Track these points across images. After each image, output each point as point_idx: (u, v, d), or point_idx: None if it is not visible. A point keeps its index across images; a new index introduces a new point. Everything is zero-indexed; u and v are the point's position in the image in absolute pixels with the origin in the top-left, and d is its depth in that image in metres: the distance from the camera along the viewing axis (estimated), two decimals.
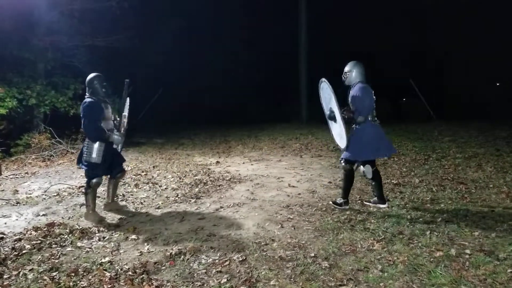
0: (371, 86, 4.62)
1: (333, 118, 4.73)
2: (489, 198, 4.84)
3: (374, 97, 4.62)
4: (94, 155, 4.43)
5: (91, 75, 4.68)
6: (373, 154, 4.61)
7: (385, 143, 4.64)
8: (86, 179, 4.62)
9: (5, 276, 3.06)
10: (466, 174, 6.23)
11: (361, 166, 4.67)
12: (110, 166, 4.76)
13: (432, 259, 3.12)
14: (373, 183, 4.73)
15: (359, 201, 4.94)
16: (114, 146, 4.76)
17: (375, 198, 4.78)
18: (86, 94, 4.59)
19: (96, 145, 4.44)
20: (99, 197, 5.22)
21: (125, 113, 4.94)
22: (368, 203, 4.81)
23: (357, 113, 4.53)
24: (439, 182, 5.75)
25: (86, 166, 4.51)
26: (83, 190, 4.79)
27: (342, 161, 4.72)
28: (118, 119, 4.90)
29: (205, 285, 2.88)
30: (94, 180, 4.54)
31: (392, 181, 5.97)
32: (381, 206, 4.68)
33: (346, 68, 4.72)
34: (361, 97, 4.49)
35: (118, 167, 4.92)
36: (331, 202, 4.81)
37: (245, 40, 20.51)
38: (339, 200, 4.74)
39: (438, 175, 6.26)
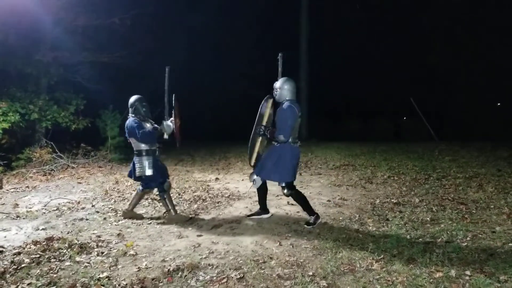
0: (299, 104, 4.72)
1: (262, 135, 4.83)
2: (489, 219, 4.80)
3: (299, 118, 4.67)
4: (148, 169, 4.95)
5: (134, 97, 5.13)
6: (277, 177, 4.68)
7: (291, 170, 4.65)
8: (157, 190, 5.21)
9: None
10: (467, 194, 6.21)
11: (254, 176, 4.85)
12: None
13: (431, 280, 3.10)
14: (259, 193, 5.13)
15: (358, 220, 4.93)
16: (165, 137, 5.11)
17: (258, 210, 5.23)
18: (130, 114, 5.09)
19: (145, 160, 4.95)
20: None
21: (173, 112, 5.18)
22: (252, 217, 5.16)
23: (278, 131, 4.57)
24: (439, 202, 5.74)
25: (143, 179, 5.06)
26: (159, 198, 5.38)
27: (284, 190, 4.75)
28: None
29: None
30: (165, 184, 5.12)
31: (392, 200, 5.96)
32: (265, 216, 5.16)
33: (277, 85, 4.75)
34: (285, 117, 4.53)
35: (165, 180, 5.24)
36: (305, 226, 4.70)
37: (248, 59, 20.71)
38: (311, 219, 4.73)
39: (439, 195, 6.24)
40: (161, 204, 6.03)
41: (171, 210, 5.11)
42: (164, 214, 5.35)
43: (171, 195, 6.71)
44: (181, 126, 5.26)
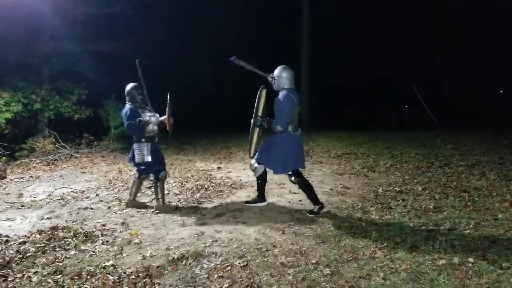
0: (298, 93, 4.70)
1: (259, 126, 4.81)
2: (492, 207, 4.81)
3: (298, 107, 4.64)
4: (146, 155, 5.01)
5: (130, 85, 5.14)
6: (281, 168, 4.67)
7: (295, 158, 4.64)
8: (153, 176, 5.18)
9: (9, 279, 3.08)
10: (469, 182, 6.20)
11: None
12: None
13: (435, 267, 3.11)
14: (258, 181, 5.17)
15: (361, 208, 4.95)
16: (154, 127, 5.13)
17: (256, 197, 5.30)
18: (126, 102, 5.10)
19: (145, 146, 5.01)
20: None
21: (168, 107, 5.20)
22: (249, 204, 5.21)
23: (275, 121, 4.53)
24: (442, 190, 5.74)
25: (142, 165, 5.10)
26: (151, 185, 5.44)
27: (291, 177, 4.78)
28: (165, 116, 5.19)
29: None
30: (161, 173, 5.14)
31: (395, 188, 5.96)
32: (261, 204, 5.20)
33: (275, 73, 4.73)
34: (282, 105, 4.48)
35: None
36: (308, 214, 4.71)
37: (248, 46, 20.58)
38: (315, 209, 4.74)
39: (441, 182, 6.24)
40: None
41: (160, 199, 5.11)
42: (152, 201, 5.37)
43: (174, 183, 6.76)
44: (173, 124, 5.24)
